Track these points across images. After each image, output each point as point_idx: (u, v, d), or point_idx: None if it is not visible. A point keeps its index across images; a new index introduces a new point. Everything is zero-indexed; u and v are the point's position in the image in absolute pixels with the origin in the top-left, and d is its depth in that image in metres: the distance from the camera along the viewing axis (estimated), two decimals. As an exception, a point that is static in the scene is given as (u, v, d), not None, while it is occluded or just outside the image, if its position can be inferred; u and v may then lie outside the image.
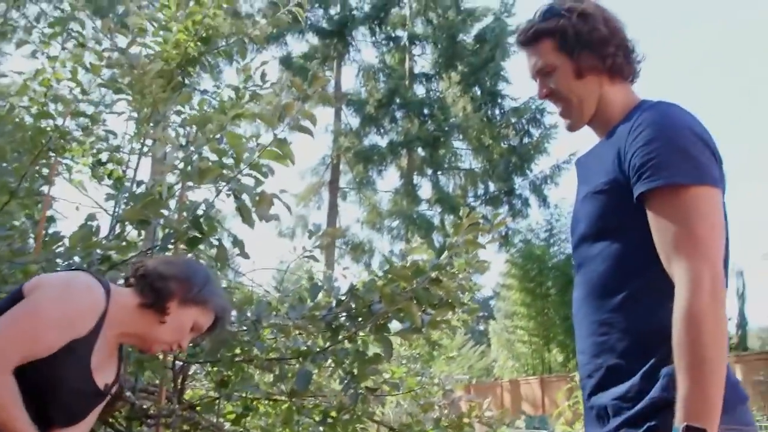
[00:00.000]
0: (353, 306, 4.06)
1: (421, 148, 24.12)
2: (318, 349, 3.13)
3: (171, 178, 4.14)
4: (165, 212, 3.26)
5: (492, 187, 24.43)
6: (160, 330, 2.03)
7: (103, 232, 4.66)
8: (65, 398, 1.87)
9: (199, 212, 3.23)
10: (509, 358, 26.16)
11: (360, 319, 4.03)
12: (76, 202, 4.51)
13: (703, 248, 1.50)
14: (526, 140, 23.82)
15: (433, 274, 3.03)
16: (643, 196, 1.59)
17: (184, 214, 3.27)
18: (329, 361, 3.19)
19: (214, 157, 3.32)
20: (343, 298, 4.05)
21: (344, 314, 3.98)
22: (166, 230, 3.27)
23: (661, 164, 1.56)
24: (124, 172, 4.80)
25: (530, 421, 11.86)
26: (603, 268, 1.69)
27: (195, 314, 2.07)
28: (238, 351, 3.30)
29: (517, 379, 21.62)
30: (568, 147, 50.00)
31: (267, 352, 3.09)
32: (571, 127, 1.91)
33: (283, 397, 3.39)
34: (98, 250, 3.53)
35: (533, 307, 23.85)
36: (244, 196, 3.17)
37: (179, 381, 3.65)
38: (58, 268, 3.21)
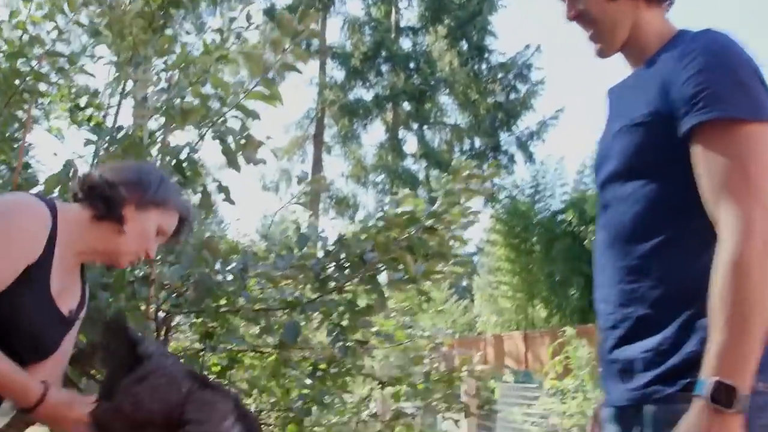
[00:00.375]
0: (342, 257, 3.95)
1: (406, 102, 23.90)
2: (306, 300, 2.99)
3: (153, 124, 3.98)
4: (147, 157, 3.10)
5: (478, 142, 24.29)
6: (122, 241, 1.84)
7: (82, 178, 4.50)
8: (29, 330, 1.71)
9: (182, 156, 3.07)
10: (493, 314, 26.23)
11: (349, 270, 3.93)
12: (53, 149, 4.32)
13: (756, 190, 1.35)
14: (512, 96, 23.63)
15: (428, 223, 2.90)
16: (693, 129, 1.42)
17: (167, 158, 3.11)
18: (317, 312, 3.04)
19: (197, 101, 3.15)
20: (332, 248, 3.93)
21: (333, 265, 3.87)
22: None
23: (717, 95, 1.40)
24: (104, 117, 4.61)
25: (516, 377, 11.87)
26: (636, 209, 1.53)
27: (156, 217, 1.89)
28: (223, 302, 3.16)
29: (501, 335, 21.67)
30: (554, 103, 49.78)
31: (253, 302, 2.95)
32: (602, 53, 1.73)
33: (269, 350, 3.27)
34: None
35: (517, 263, 23.78)
36: (230, 139, 3.02)
37: (162, 332, 3.53)
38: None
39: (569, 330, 6.09)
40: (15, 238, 1.64)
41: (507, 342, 21.35)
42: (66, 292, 1.83)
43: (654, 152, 1.51)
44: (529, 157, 23.64)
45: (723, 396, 1.26)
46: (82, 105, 4.52)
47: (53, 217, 1.74)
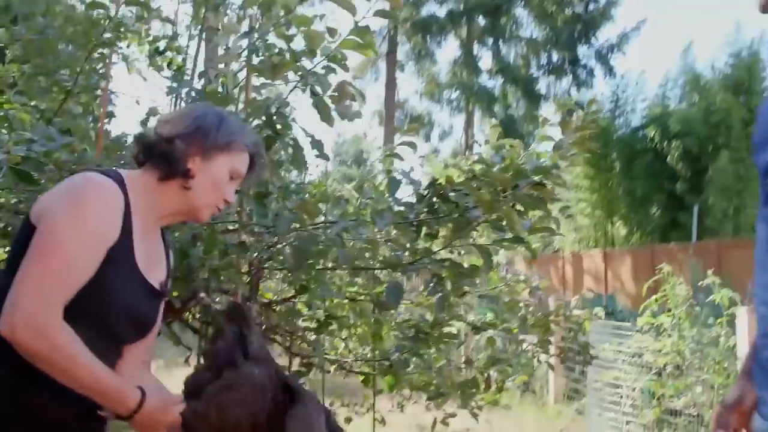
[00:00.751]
0: (435, 202, 3.80)
1: (481, 16, 23.17)
2: (409, 261, 2.86)
3: (234, 67, 3.84)
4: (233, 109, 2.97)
5: (555, 56, 23.52)
6: (195, 195, 1.73)
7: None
8: (126, 311, 1.65)
9: (272, 110, 2.93)
10: (571, 230, 25.86)
11: (443, 216, 3.77)
12: (135, 95, 4.25)
13: None
14: (591, 6, 22.66)
15: (537, 178, 2.70)
16: None
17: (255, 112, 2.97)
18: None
19: (281, 43, 2.97)
20: (425, 193, 3.78)
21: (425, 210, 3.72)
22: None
23: None
24: (183, 60, 4.51)
25: (599, 301, 11.67)
26: None
27: (224, 161, 1.75)
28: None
29: (580, 253, 21.38)
30: (635, 14, 47.49)
31: (353, 260, 2.83)
32: (764, 8, 1.50)
33: (368, 301, 3.17)
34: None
35: (596, 180, 23.23)
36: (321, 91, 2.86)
37: (255, 282, 3.48)
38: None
39: (666, 267, 5.83)
40: (92, 225, 1.53)
41: (586, 260, 21.08)
42: (153, 264, 1.74)
43: None
44: (609, 71, 22.80)
45: None
46: (161, 48, 4.42)
47: (123, 190, 1.63)
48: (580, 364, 5.09)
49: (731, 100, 19.00)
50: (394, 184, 3.74)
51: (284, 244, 2.97)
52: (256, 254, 3.20)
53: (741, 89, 19.72)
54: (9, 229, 3.01)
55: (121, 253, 1.60)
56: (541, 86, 24.58)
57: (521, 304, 4.31)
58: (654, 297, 5.59)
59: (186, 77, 4.50)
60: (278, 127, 2.95)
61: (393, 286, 2.75)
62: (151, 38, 4.34)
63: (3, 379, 1.52)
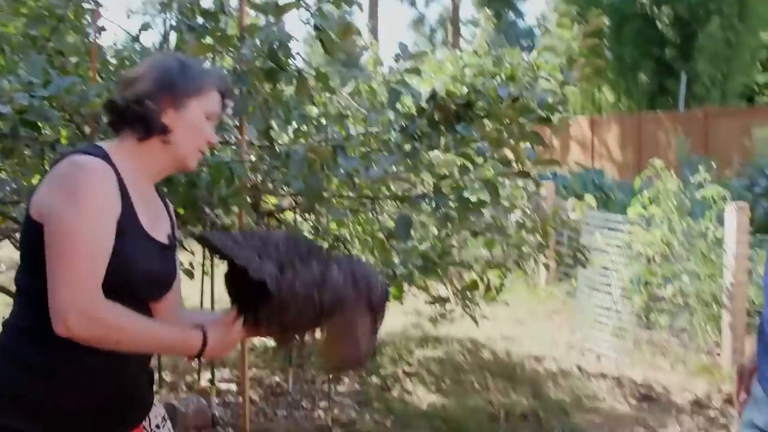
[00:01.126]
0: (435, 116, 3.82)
1: None
2: (417, 195, 2.92)
3: None
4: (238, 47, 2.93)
5: None
6: (178, 146, 1.74)
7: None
8: (147, 273, 1.70)
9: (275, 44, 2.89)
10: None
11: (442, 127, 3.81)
12: (126, 9, 4.15)
13: None
14: None
15: (544, 114, 2.73)
16: None
17: (258, 44, 2.93)
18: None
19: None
20: (425, 106, 3.79)
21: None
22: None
23: None
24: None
25: (586, 175, 11.80)
26: None
27: (197, 106, 1.75)
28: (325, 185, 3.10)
29: (566, 120, 21.36)
30: None
31: (361, 191, 2.89)
32: None
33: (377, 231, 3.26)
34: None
35: (584, 43, 22.96)
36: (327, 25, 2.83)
37: (257, 200, 3.54)
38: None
39: (657, 162, 5.91)
40: (95, 209, 1.56)
41: (573, 127, 21.10)
42: (157, 222, 1.78)
43: None
44: (599, -70, 21.92)
45: None
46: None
47: (110, 163, 1.65)
48: (573, 270, 5.24)
49: (724, -36, 18.51)
50: (393, 95, 3.75)
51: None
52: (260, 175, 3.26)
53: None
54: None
55: (128, 224, 1.64)
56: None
57: (518, 209, 4.42)
58: (645, 192, 5.70)
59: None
60: (280, 59, 2.93)
61: (403, 220, 2.82)
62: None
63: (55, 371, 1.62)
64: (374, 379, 5.12)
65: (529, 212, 4.47)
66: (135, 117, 1.70)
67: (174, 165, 1.79)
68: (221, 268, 1.80)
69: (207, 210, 3.44)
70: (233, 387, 4.89)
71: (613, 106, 22.39)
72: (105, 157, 1.65)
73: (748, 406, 1.68)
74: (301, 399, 4.75)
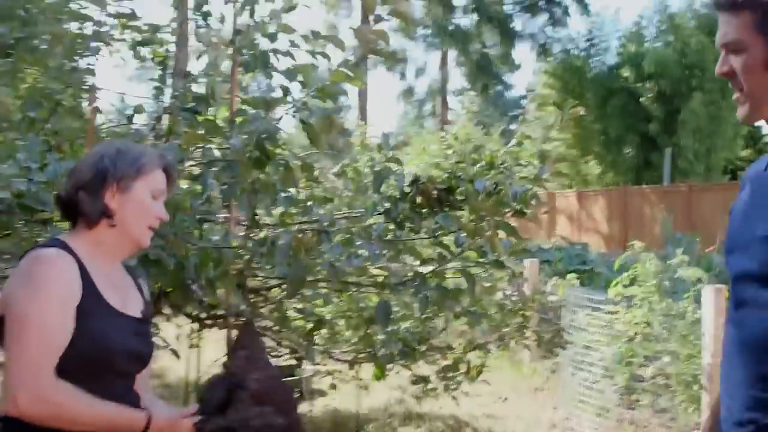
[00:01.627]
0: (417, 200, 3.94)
1: (455, -48, 22.85)
2: (397, 282, 3.02)
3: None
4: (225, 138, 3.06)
5: (531, -6, 23.33)
6: (126, 227, 1.84)
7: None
8: (123, 350, 1.79)
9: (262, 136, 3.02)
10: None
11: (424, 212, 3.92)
12: (121, 91, 4.31)
13: None
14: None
15: (518, 207, 2.85)
16: None
17: (245, 137, 3.06)
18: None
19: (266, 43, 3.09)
20: (408, 190, 3.92)
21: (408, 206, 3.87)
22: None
23: None
24: (167, 51, 4.54)
25: (571, 250, 11.93)
26: None
27: (141, 186, 1.85)
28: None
29: (554, 192, 21.63)
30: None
31: (344, 277, 2.98)
32: (744, 120, 1.62)
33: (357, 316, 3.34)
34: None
35: (571, 119, 23.39)
36: (313, 119, 2.96)
37: (244, 281, 3.62)
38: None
39: (638, 244, 6.05)
40: (50, 295, 1.67)
41: (560, 200, 21.40)
42: (127, 299, 1.88)
43: None
44: (584, 9, 22.72)
45: None
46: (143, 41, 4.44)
47: (70, 252, 1.76)
48: (555, 349, 5.31)
49: (706, 42, 19.03)
50: (378, 180, 3.88)
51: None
52: (247, 257, 3.34)
53: (716, 31, 19.80)
54: None
55: (92, 305, 1.74)
56: (516, 24, 24.51)
57: (499, 293, 4.51)
58: (625, 274, 5.81)
59: (169, 70, 4.56)
60: (268, 149, 3.05)
61: (383, 306, 2.91)
62: (134, 36, 4.38)
63: None
64: (356, 459, 5.12)
65: (510, 294, 4.57)
66: (79, 209, 1.81)
67: (129, 245, 1.89)
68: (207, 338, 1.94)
69: (195, 289, 3.52)
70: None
71: (599, 179, 22.76)
72: (65, 247, 1.76)
73: None
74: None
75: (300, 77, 2.91)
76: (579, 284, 7.32)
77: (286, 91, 2.89)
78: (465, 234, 2.88)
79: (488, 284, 4.53)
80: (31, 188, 2.77)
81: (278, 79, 3.01)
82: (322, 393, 6.25)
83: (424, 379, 4.35)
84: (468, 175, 4.04)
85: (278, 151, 3.09)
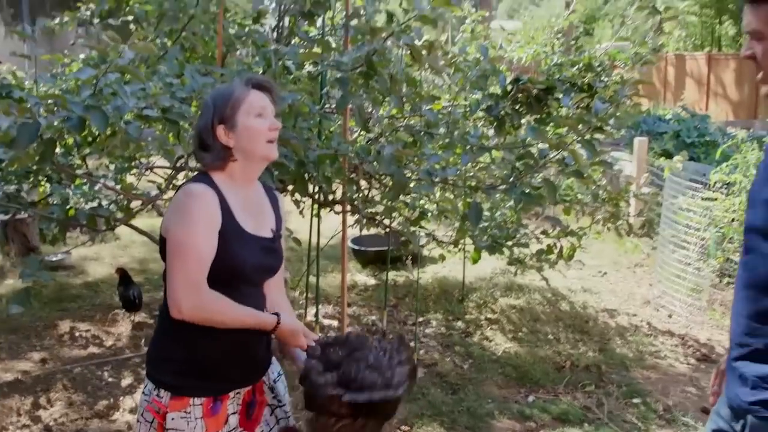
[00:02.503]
0: (519, 98, 4.26)
1: None
2: (487, 186, 3.40)
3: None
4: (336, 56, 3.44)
5: None
6: (246, 152, 2.20)
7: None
8: (252, 267, 2.23)
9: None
10: (676, 27, 24.83)
11: (523, 109, 4.25)
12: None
13: None
14: None
15: (598, 124, 3.13)
16: None
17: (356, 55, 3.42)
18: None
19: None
20: (510, 89, 4.24)
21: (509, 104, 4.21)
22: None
23: None
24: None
25: (690, 122, 11.69)
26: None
27: (242, 114, 2.19)
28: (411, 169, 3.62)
29: (683, 54, 20.76)
30: None
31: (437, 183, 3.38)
32: (767, 96, 1.90)
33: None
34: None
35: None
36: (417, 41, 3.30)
37: (357, 181, 4.10)
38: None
39: (741, 133, 6.08)
40: (199, 222, 2.10)
41: (689, 62, 20.55)
42: (261, 219, 2.31)
43: None
44: None
45: None
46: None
47: (212, 185, 2.18)
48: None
49: None
50: (483, 79, 4.23)
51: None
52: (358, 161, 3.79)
53: None
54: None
55: (230, 230, 2.18)
56: None
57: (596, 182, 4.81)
58: (725, 164, 5.91)
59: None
60: (375, 65, 3.41)
61: (474, 206, 3.31)
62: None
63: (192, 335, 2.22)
64: (459, 324, 5.70)
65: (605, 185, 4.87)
66: (205, 148, 2.22)
67: (258, 164, 2.28)
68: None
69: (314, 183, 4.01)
70: (335, 323, 5.58)
71: (734, 41, 21.60)
72: (210, 182, 2.21)
73: (720, 399, 2.14)
74: (392, 338, 5.38)
75: (404, 3, 3.22)
76: (692, 160, 7.35)
77: (390, 17, 3.20)
78: (548, 146, 3.19)
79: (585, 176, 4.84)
80: (174, 105, 3.27)
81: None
82: (433, 261, 6.81)
83: (520, 261, 4.78)
84: (571, 75, 4.31)
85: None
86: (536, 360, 4.98)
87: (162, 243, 2.20)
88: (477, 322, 5.76)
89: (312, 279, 5.16)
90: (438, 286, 6.62)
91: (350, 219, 4.65)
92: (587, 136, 3.14)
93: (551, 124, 3.64)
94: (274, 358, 2.45)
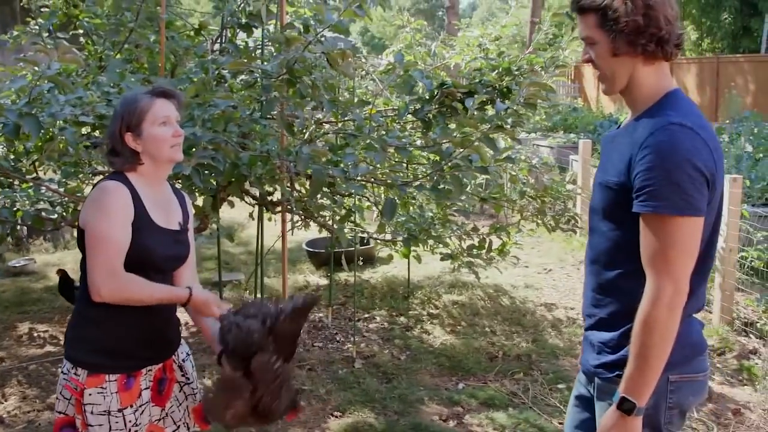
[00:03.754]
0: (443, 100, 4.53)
1: None
2: (401, 182, 3.67)
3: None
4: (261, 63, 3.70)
5: None
6: (153, 156, 2.44)
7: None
8: (162, 256, 2.49)
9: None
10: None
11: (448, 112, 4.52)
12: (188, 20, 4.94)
13: (670, 268, 1.87)
14: None
15: (499, 123, 3.40)
16: (637, 212, 1.93)
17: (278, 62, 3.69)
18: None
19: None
20: (436, 93, 4.50)
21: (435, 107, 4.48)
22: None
23: (654, 193, 1.86)
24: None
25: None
26: (606, 245, 2.08)
27: (148, 121, 2.43)
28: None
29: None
30: None
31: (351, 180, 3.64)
32: (606, 92, 2.16)
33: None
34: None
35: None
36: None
37: (291, 182, 4.36)
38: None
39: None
40: (114, 214, 2.35)
41: (651, 68, 20.92)
42: (169, 215, 2.56)
43: (618, 210, 2.02)
44: None
45: (625, 406, 1.94)
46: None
47: (126, 183, 2.43)
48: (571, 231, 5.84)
49: None
50: (409, 84, 4.50)
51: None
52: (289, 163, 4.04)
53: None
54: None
55: (142, 223, 2.43)
56: None
57: (522, 181, 5.10)
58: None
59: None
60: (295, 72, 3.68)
61: (389, 202, 3.58)
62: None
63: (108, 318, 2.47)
64: (401, 319, 5.97)
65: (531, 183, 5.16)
66: (115, 151, 2.47)
67: (165, 165, 2.53)
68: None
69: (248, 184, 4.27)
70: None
71: (696, 45, 22.06)
72: (124, 179, 2.46)
73: None
74: (336, 333, 5.65)
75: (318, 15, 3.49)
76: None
77: (306, 28, 3.48)
78: (453, 145, 3.47)
79: (512, 174, 5.13)
80: (110, 112, 3.51)
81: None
82: (384, 261, 7.09)
83: (452, 256, 5.06)
84: (490, 79, 4.58)
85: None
86: (470, 351, 5.25)
87: (80, 234, 2.44)
88: (419, 317, 6.03)
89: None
90: (386, 285, 6.88)
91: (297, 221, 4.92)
92: (491, 135, 3.41)
93: (457, 124, 3.91)
94: (182, 340, 2.70)
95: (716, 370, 4.97)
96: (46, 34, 5.04)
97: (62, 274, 5.68)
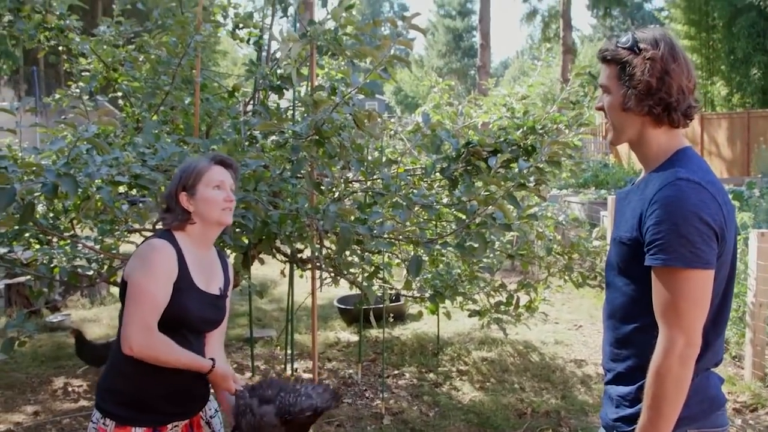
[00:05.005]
0: (470, 159, 4.61)
1: None
2: (426, 239, 3.74)
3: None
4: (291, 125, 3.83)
5: None
6: (203, 218, 2.55)
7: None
8: (198, 318, 2.55)
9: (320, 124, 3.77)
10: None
11: (474, 170, 4.59)
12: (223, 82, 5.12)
13: (681, 320, 1.90)
14: None
15: (522, 181, 3.47)
16: (649, 266, 1.98)
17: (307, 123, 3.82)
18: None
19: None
20: (462, 151, 4.59)
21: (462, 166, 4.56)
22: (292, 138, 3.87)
23: (663, 246, 1.90)
24: (260, 32, 5.32)
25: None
26: (621, 300, 2.13)
27: (203, 184, 2.56)
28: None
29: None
30: None
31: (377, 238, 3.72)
32: (611, 143, 2.24)
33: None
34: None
35: (697, 39, 22.64)
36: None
37: (320, 241, 4.45)
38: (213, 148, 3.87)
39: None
40: (160, 273, 2.44)
41: (683, 123, 20.95)
42: (211, 278, 2.65)
43: (633, 265, 2.06)
44: None
45: None
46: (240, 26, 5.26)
47: (173, 242, 2.53)
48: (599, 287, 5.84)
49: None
50: (435, 143, 4.60)
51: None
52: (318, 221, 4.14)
53: None
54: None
55: (183, 284, 2.52)
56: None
57: (548, 238, 5.14)
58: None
59: (263, 49, 5.35)
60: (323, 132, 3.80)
61: (414, 259, 3.65)
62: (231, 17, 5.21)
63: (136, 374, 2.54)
64: (431, 376, 5.97)
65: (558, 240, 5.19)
66: (170, 210, 2.60)
67: (214, 228, 2.64)
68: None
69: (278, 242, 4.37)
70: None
71: (726, 100, 22.06)
72: (170, 238, 2.56)
73: None
74: (366, 390, 5.66)
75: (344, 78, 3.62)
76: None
77: (334, 90, 3.60)
78: (477, 202, 3.54)
79: (539, 230, 5.17)
80: (145, 172, 3.65)
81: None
82: (415, 318, 7.11)
83: (479, 313, 5.08)
84: (515, 138, 4.67)
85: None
86: (499, 407, 5.22)
87: (122, 286, 2.53)
88: (448, 373, 6.02)
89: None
90: (416, 341, 6.89)
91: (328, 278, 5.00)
92: (514, 193, 3.48)
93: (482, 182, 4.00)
94: (212, 396, 2.76)
95: (748, 426, 4.89)
96: (87, 97, 5.27)
97: (77, 334, 5.78)
